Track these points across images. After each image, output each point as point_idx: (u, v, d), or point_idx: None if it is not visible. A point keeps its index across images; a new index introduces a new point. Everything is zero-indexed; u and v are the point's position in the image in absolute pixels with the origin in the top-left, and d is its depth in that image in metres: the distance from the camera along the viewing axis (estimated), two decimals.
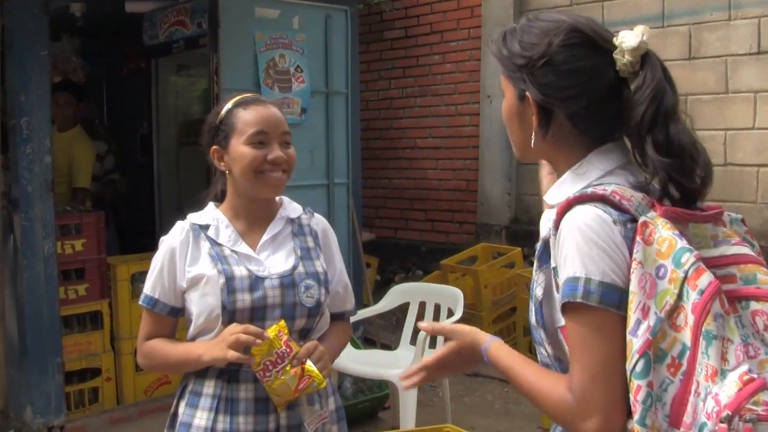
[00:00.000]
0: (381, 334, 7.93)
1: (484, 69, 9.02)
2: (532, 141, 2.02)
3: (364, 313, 6.86)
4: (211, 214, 2.93)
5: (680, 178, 1.87)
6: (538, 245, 1.98)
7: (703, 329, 1.68)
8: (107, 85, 9.57)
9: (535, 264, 1.98)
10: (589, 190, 1.89)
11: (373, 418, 6.78)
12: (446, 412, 6.23)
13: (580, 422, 1.83)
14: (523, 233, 8.83)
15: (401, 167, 10.25)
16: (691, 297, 1.70)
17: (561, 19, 2.00)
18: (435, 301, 6.45)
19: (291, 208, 3.03)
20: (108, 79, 9.39)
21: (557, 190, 2.02)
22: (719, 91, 7.44)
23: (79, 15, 7.72)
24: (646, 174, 1.94)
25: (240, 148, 2.81)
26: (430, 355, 2.27)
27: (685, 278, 1.71)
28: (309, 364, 2.69)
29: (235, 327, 2.66)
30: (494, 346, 2.13)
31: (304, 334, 2.86)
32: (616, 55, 1.94)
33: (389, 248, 10.17)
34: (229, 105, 2.91)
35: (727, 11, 7.35)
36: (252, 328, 2.64)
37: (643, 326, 1.73)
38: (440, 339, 6.16)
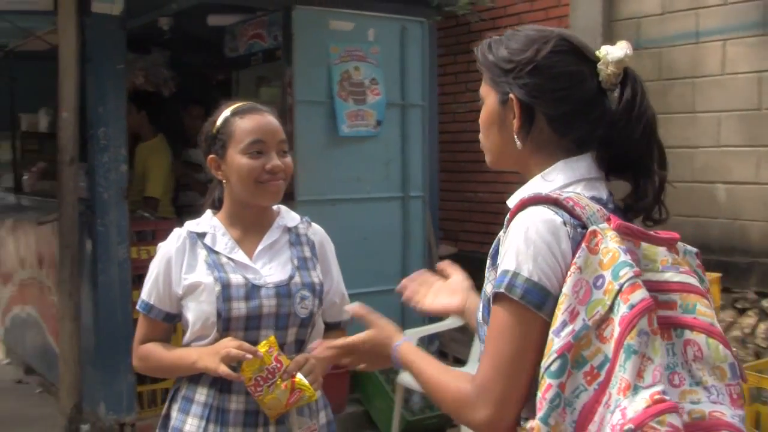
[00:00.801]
0: (456, 348, 7.88)
1: None
2: (517, 143, 2.05)
3: (432, 328, 6.86)
4: (208, 221, 2.96)
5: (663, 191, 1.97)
6: (493, 244, 2.00)
7: (625, 342, 1.70)
8: (200, 96, 9.78)
9: (488, 262, 2.01)
10: (544, 192, 1.92)
11: None
12: None
13: (471, 411, 1.88)
14: None
15: (486, 180, 10.15)
16: (621, 310, 1.72)
17: (548, 29, 2.08)
18: None
19: (289, 217, 3.05)
20: (201, 90, 9.58)
21: (518, 193, 2.04)
22: None
23: (167, 29, 7.95)
24: (610, 190, 2.01)
25: (237, 158, 2.83)
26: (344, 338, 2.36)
27: (619, 291, 1.73)
28: (300, 378, 2.71)
29: (230, 341, 2.71)
30: (406, 345, 2.24)
31: (298, 346, 2.89)
32: (600, 66, 2.00)
33: (473, 262, 9.94)
34: (225, 113, 2.92)
35: None
36: (246, 345, 2.68)
37: (568, 329, 1.75)
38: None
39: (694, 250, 1.98)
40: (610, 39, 8.30)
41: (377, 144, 7.29)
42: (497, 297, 1.86)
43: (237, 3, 7.29)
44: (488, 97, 2.11)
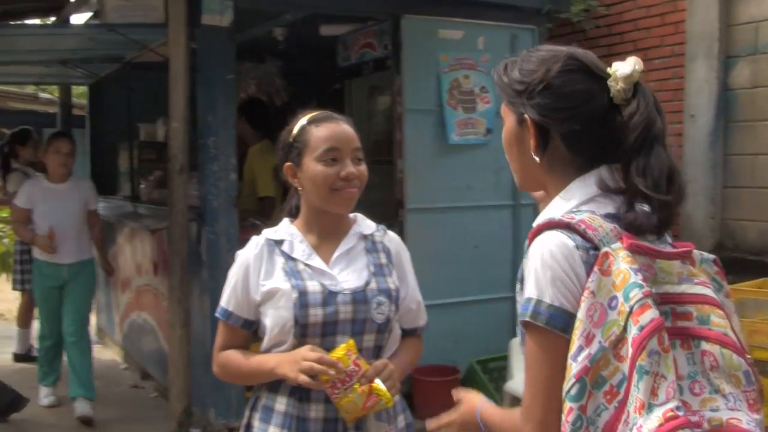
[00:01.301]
0: None
1: (688, 87, 8.73)
2: (536, 160, 2.09)
3: None
4: (285, 229, 2.97)
5: (652, 197, 1.94)
6: (521, 269, 2.05)
7: (636, 363, 1.74)
8: (317, 104, 9.88)
9: (518, 287, 2.06)
10: (557, 217, 1.96)
11: None
12: None
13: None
14: (727, 260, 8.43)
15: None
16: (632, 331, 1.76)
17: (559, 48, 2.12)
18: None
19: (364, 224, 3.05)
20: (317, 99, 9.67)
21: (541, 216, 2.07)
22: None
23: (281, 38, 8.07)
24: (623, 203, 2.00)
25: (313, 166, 2.85)
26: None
27: (630, 312, 1.77)
28: (377, 383, 2.72)
29: (310, 352, 2.71)
30: (484, 409, 2.31)
31: (376, 352, 2.88)
32: (610, 83, 2.03)
33: None
34: (302, 122, 2.94)
35: None
36: (326, 358, 2.68)
37: (584, 353, 1.81)
38: None
39: (712, 257, 2.03)
40: (727, 44, 8.13)
41: (487, 152, 7.26)
42: (525, 325, 1.95)
43: (348, 12, 7.34)
44: (507, 118, 2.19)
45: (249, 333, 3.00)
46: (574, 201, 2.03)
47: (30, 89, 16.91)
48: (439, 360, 6.87)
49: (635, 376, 1.74)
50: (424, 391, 6.70)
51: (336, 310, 2.81)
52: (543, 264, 1.91)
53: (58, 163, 7.16)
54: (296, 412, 2.83)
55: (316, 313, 2.79)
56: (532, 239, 1.98)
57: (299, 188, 2.96)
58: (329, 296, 2.82)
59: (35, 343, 9.23)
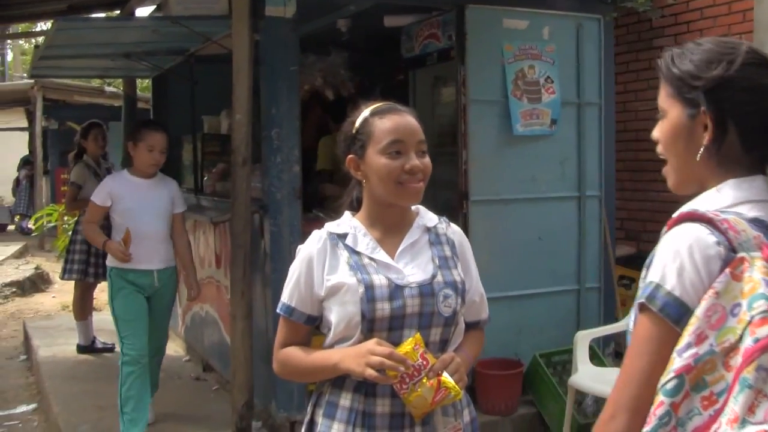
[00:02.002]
0: None
1: None
2: (699, 156, 2.02)
3: (607, 330, 6.79)
4: (348, 222, 2.94)
5: None
6: (651, 255, 1.98)
7: (741, 375, 1.68)
8: (381, 96, 9.84)
9: (643, 272, 1.98)
10: (701, 210, 1.90)
11: None
12: None
13: (610, 420, 1.89)
14: None
15: None
16: (746, 342, 1.70)
17: (734, 41, 2.06)
18: None
19: (427, 217, 3.01)
20: (382, 90, 9.63)
21: (686, 206, 2.01)
22: None
23: (345, 30, 8.04)
24: None
25: (376, 158, 2.81)
26: None
27: (749, 323, 1.71)
28: (445, 376, 2.67)
29: (377, 347, 2.66)
30: None
31: (442, 346, 2.84)
32: None
33: None
34: (365, 114, 2.90)
35: None
36: (397, 354, 2.63)
37: (691, 351, 1.74)
38: None
39: None
40: None
41: (552, 143, 7.19)
42: (640, 307, 1.88)
43: (412, 3, 7.30)
44: (672, 110, 2.09)
45: (311, 329, 2.96)
46: (728, 200, 1.97)
47: (96, 83, 17.11)
48: (502, 353, 6.83)
49: (736, 387, 1.68)
50: (486, 384, 6.65)
51: (403, 304, 2.77)
52: (675, 253, 1.85)
53: (150, 162, 6.46)
54: (362, 407, 2.79)
55: (383, 308, 2.75)
56: (671, 227, 1.93)
57: (362, 181, 2.92)
58: (396, 290, 2.78)
59: (97, 334, 9.35)
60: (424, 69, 7.93)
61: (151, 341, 6.48)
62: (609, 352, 7.40)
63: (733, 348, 1.72)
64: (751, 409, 1.65)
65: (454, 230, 3.05)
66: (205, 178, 8.42)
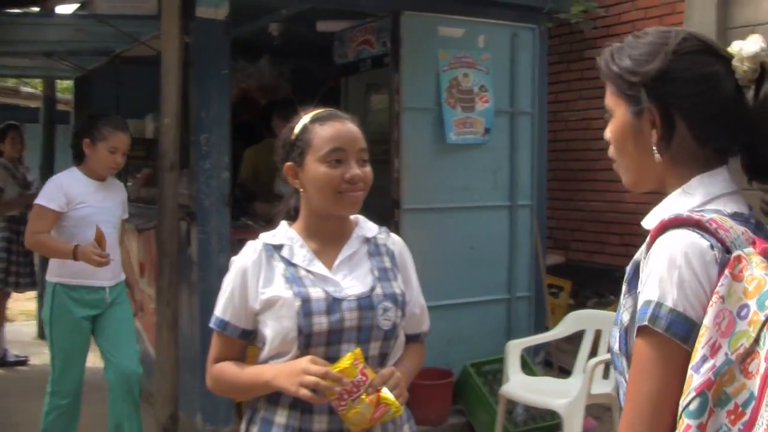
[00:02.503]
0: (564, 359, 7.72)
1: None
2: (655, 155, 1.91)
3: (537, 339, 6.78)
4: (284, 233, 2.82)
5: None
6: (629, 268, 1.87)
7: None
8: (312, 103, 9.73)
9: (624, 288, 1.88)
10: (686, 213, 1.78)
11: None
12: None
13: None
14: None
15: (598, 189, 9.96)
16: (767, 344, 1.58)
17: (671, 29, 1.95)
18: (611, 329, 6.20)
19: (367, 227, 2.92)
20: (311, 98, 9.52)
21: (656, 213, 1.91)
22: None
23: (276, 35, 7.93)
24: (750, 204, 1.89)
25: (315, 167, 2.71)
26: None
27: (765, 322, 1.59)
28: (385, 392, 2.59)
29: (312, 366, 2.55)
30: None
31: (381, 360, 2.75)
32: (736, 63, 1.87)
33: (583, 272, 9.91)
34: (305, 120, 2.79)
35: None
36: (332, 373, 2.53)
37: (708, 364, 1.62)
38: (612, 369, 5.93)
39: None
40: (724, 46, 8.04)
41: (485, 152, 7.16)
42: (641, 331, 1.74)
43: (346, 8, 7.20)
44: (618, 109, 1.98)
45: (245, 344, 2.85)
46: (698, 198, 1.86)
47: (11, 82, 16.62)
48: (432, 363, 6.72)
49: None
50: (417, 394, 6.52)
51: (341, 318, 2.67)
52: (670, 264, 1.71)
53: (110, 165, 5.68)
54: (298, 424, 2.69)
55: (320, 322, 2.64)
56: (655, 236, 1.78)
57: (300, 189, 2.81)
58: (334, 303, 2.68)
59: (8, 346, 9.03)
60: (357, 75, 7.87)
61: (122, 357, 5.66)
62: (539, 361, 7.42)
63: (750, 353, 1.60)
64: None
65: (395, 240, 2.96)
66: (129, 184, 8.21)
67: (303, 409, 2.68)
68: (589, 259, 10.14)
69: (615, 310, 6.29)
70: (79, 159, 5.72)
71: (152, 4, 6.11)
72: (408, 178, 6.79)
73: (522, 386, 6.10)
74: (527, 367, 6.60)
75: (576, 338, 6.65)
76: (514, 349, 6.33)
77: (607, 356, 5.91)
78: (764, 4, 7.56)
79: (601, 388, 5.86)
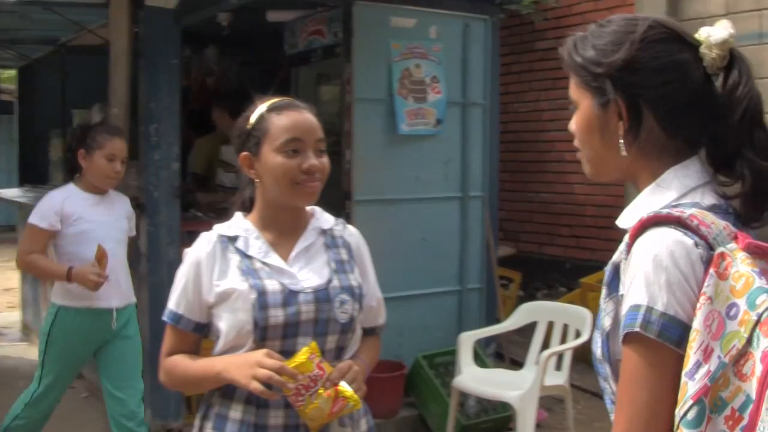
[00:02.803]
0: (515, 351, 7.73)
1: None
2: (621, 148, 1.85)
3: (490, 331, 6.77)
4: (239, 224, 2.78)
5: None
6: (608, 270, 1.80)
7: None
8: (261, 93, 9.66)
9: (604, 291, 1.80)
10: (665, 211, 1.71)
11: None
12: None
13: None
14: None
15: (548, 181, 10.00)
16: (762, 344, 1.51)
17: (637, 17, 1.88)
18: (563, 320, 6.25)
19: (323, 219, 2.88)
20: (261, 88, 9.44)
21: (631, 211, 1.84)
22: None
23: (225, 24, 7.84)
24: (725, 192, 1.81)
25: (272, 157, 2.66)
26: None
27: (757, 322, 1.52)
28: (343, 386, 2.56)
29: (266, 359, 2.51)
30: None
31: (338, 353, 2.72)
32: (704, 50, 1.81)
33: (533, 263, 9.95)
34: (261, 109, 2.74)
35: None
36: (287, 368, 2.49)
37: (703, 370, 1.56)
38: (566, 362, 5.95)
39: None
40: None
41: (437, 143, 7.13)
42: (630, 337, 1.66)
43: None
44: (582, 101, 1.91)
45: (200, 337, 2.80)
46: (674, 191, 1.79)
47: None
48: (384, 355, 6.61)
49: None
50: (368, 387, 6.48)
51: (298, 311, 2.63)
52: (656, 265, 1.64)
53: (109, 174, 5.18)
54: (253, 419, 2.64)
55: (276, 315, 2.60)
56: (635, 236, 1.71)
57: (256, 180, 2.76)
58: (290, 296, 2.64)
59: None
60: (307, 66, 7.81)
61: (121, 408, 5.21)
62: (490, 352, 7.41)
63: (742, 354, 1.53)
64: None
65: (351, 232, 2.94)
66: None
67: (259, 404, 2.64)
68: (539, 251, 10.18)
69: (566, 302, 6.33)
70: (73, 173, 5.37)
71: None
72: (359, 169, 6.75)
73: (474, 378, 6.09)
74: (479, 359, 6.59)
75: (526, 330, 6.67)
76: (467, 341, 6.32)
77: (560, 348, 5.94)
78: (712, 4, 7.65)
79: (554, 379, 5.87)
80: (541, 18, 9.45)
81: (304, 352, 2.54)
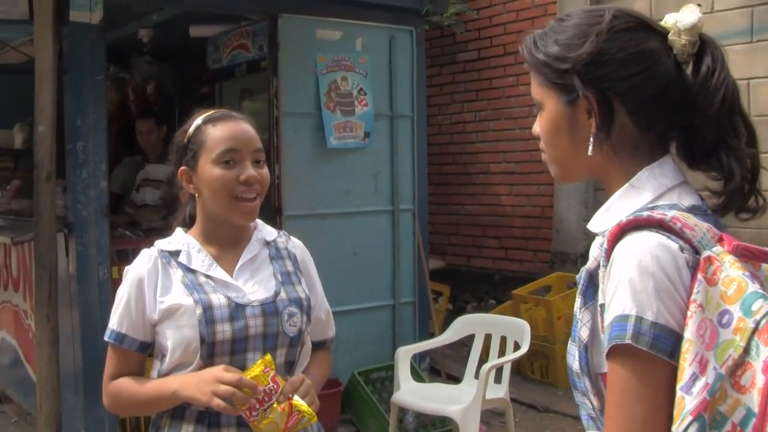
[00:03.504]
0: (449, 365, 7.72)
1: None
2: (590, 149, 1.76)
3: (427, 345, 6.73)
4: (180, 239, 2.72)
5: (757, 174, 1.70)
6: (582, 278, 1.72)
7: None
8: (180, 110, 9.51)
9: (579, 301, 1.72)
10: (645, 213, 1.63)
11: None
12: None
13: None
14: None
15: (474, 193, 10.03)
16: (763, 354, 1.43)
17: (599, 7, 1.79)
18: (501, 333, 6.23)
19: (266, 230, 2.82)
20: (181, 103, 9.33)
21: (605, 214, 1.77)
22: None
23: (146, 41, 7.73)
24: (709, 187, 1.73)
25: (209, 169, 2.61)
26: None
27: (755, 330, 1.45)
28: (297, 399, 2.51)
29: (225, 374, 2.45)
30: None
31: (288, 368, 2.66)
32: (673, 37, 1.74)
33: (461, 276, 9.95)
34: (197, 122, 2.70)
35: None
36: (246, 381, 2.43)
37: (700, 383, 1.47)
38: (505, 374, 5.93)
39: None
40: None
41: (366, 156, 7.10)
42: (619, 350, 1.56)
43: (221, 12, 7.07)
44: (548, 101, 1.82)
45: (144, 357, 2.72)
46: (649, 193, 1.72)
47: None
48: None
49: None
50: None
51: (245, 325, 2.57)
52: (642, 271, 1.54)
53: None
54: None
55: (223, 330, 2.54)
56: (614, 241, 1.63)
57: (195, 195, 2.70)
58: (236, 310, 2.58)
59: None
60: (231, 80, 7.73)
61: None
62: (425, 366, 7.37)
63: (739, 365, 1.45)
64: None
65: (295, 244, 2.90)
66: None
67: (210, 423, 2.57)
68: (467, 264, 10.19)
69: (499, 314, 6.28)
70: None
71: (23, 8, 5.84)
72: (289, 184, 6.69)
73: (413, 393, 6.04)
74: (415, 374, 6.55)
75: (458, 344, 6.64)
76: (404, 355, 6.27)
77: (502, 360, 5.91)
78: (637, 3, 7.73)
79: (494, 392, 5.84)
80: (463, 29, 9.49)
81: (259, 365, 2.49)
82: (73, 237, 5.89)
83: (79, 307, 5.88)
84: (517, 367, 6.70)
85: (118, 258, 6.20)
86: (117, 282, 5.78)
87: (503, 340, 6.18)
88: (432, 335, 7.36)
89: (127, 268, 2.71)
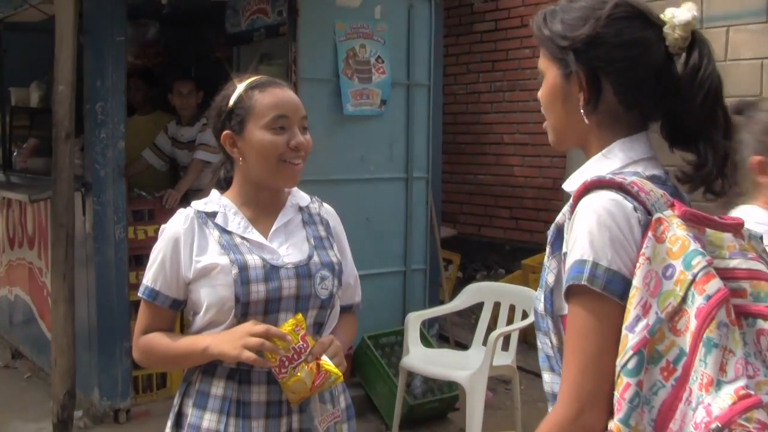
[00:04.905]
0: (457, 332, 7.78)
1: None
2: (583, 117, 1.96)
3: (437, 311, 6.79)
4: (216, 201, 2.76)
5: (727, 163, 1.89)
6: (551, 230, 1.92)
7: (704, 336, 1.62)
8: (197, 73, 9.49)
9: (548, 250, 1.92)
10: (608, 176, 1.83)
11: (442, 419, 6.67)
12: (516, 417, 6.03)
13: (574, 418, 1.76)
14: None
15: (487, 163, 10.04)
16: (697, 301, 1.64)
17: None
18: (510, 301, 6.28)
19: (299, 196, 2.87)
20: (197, 67, 9.32)
21: (577, 176, 1.95)
22: None
23: (165, 2, 7.71)
24: (685, 170, 1.93)
25: (260, 134, 2.64)
26: None
27: (692, 281, 1.66)
28: (325, 360, 2.56)
29: (254, 327, 2.51)
30: None
31: (317, 329, 2.72)
32: (667, 30, 1.91)
33: (472, 245, 9.99)
34: (241, 87, 2.73)
35: None
36: (275, 330, 2.50)
37: (642, 323, 1.67)
38: (513, 342, 5.99)
39: (759, 234, 1.89)
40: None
41: (382, 123, 7.12)
42: (575, 290, 1.76)
43: None
44: (549, 72, 2.03)
45: (175, 314, 2.79)
46: (617, 162, 1.91)
47: None
48: None
49: (702, 350, 1.62)
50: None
51: (279, 286, 2.62)
52: (600, 224, 1.75)
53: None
54: (236, 395, 2.63)
55: (258, 290, 2.59)
56: (578, 198, 1.82)
57: (239, 159, 2.73)
58: (271, 271, 2.63)
59: None
60: (250, 45, 7.71)
61: None
62: (434, 333, 7.42)
63: (677, 311, 1.66)
64: (721, 368, 1.62)
65: (327, 210, 2.95)
66: (15, 154, 7.93)
67: (241, 380, 2.63)
68: (477, 233, 10.23)
69: (508, 283, 6.39)
70: None
71: None
72: None
73: (422, 358, 6.10)
74: (424, 340, 6.60)
75: (467, 312, 6.69)
76: (414, 321, 6.33)
77: (510, 328, 5.97)
78: None
79: (501, 360, 5.91)
80: (481, 0, 9.47)
81: (290, 324, 2.54)
82: (90, 196, 5.97)
83: (95, 266, 5.96)
84: (525, 335, 6.73)
85: (134, 218, 6.26)
86: (133, 241, 5.90)
87: (512, 308, 6.24)
88: (442, 302, 7.41)
89: (163, 226, 2.76)
